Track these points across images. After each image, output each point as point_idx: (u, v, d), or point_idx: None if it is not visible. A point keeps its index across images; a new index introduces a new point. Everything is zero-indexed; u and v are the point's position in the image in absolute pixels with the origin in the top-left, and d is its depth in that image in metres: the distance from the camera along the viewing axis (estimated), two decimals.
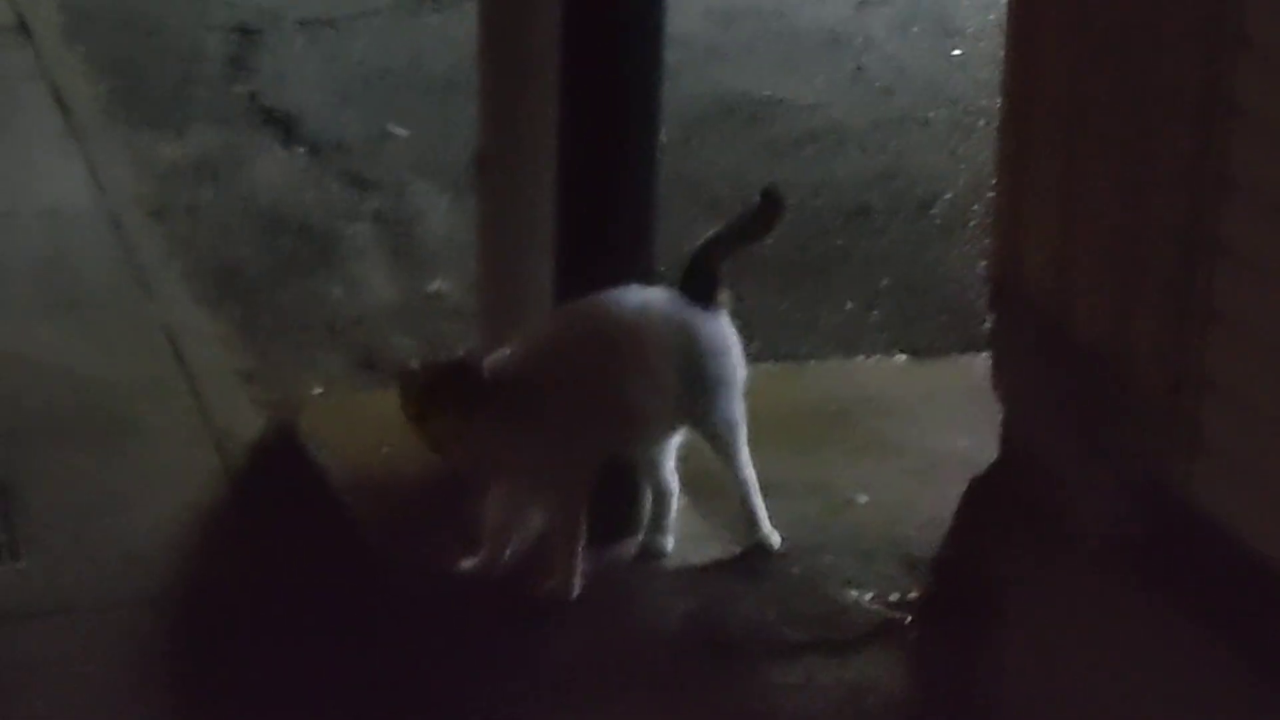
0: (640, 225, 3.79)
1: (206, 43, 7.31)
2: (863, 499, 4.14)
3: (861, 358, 5.03)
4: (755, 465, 3.96)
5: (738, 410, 3.85)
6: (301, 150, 6.47)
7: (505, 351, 3.73)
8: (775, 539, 3.93)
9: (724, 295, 3.86)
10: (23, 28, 7.26)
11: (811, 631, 3.69)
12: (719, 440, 3.86)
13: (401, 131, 6.61)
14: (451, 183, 6.17)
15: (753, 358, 4.06)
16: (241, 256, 5.65)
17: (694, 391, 3.76)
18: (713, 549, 3.96)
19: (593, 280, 3.73)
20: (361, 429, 4.38)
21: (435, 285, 5.44)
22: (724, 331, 3.85)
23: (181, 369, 4.93)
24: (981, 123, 6.79)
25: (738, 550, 3.91)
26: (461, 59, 7.10)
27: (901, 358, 4.98)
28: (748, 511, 3.94)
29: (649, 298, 3.75)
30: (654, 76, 3.74)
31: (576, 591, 3.69)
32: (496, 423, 3.63)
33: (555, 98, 3.71)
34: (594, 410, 3.68)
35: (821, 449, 4.38)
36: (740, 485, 3.91)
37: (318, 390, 4.87)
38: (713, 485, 4.01)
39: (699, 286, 3.80)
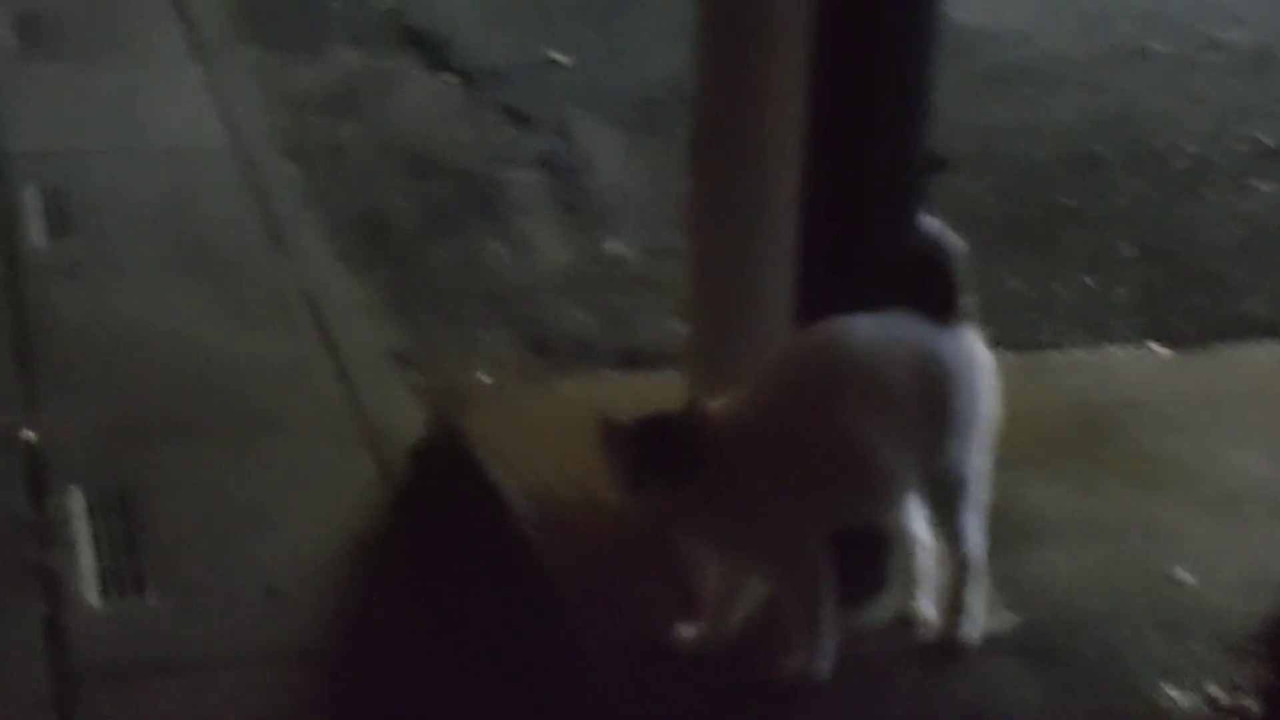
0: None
1: None
2: (1156, 549, 3.39)
3: (1111, 347, 4.29)
4: (1004, 491, 3.15)
5: (973, 461, 3.06)
6: (453, 79, 5.79)
7: (727, 400, 3.00)
8: (975, 635, 3.13)
9: (968, 303, 3.09)
10: None
11: None
12: (940, 496, 3.06)
13: (564, 59, 5.92)
14: (623, 120, 5.50)
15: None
16: (389, 207, 4.99)
17: (934, 434, 3.02)
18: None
19: (844, 294, 3.00)
20: (543, 438, 3.70)
21: (612, 246, 4.77)
22: (969, 354, 3.07)
23: (327, 348, 4.28)
24: (1213, 56, 6.04)
25: (1011, 618, 3.17)
26: None
27: (1159, 349, 4.24)
28: (954, 599, 3.12)
29: (887, 324, 3.04)
30: (928, 43, 3.01)
31: (825, 674, 3.01)
32: (722, 491, 2.92)
33: (802, 66, 2.99)
34: (830, 469, 2.99)
35: (1087, 471, 3.65)
36: (958, 563, 3.13)
37: (485, 379, 4.21)
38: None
39: (935, 295, 3.07)
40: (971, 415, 3.04)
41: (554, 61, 5.87)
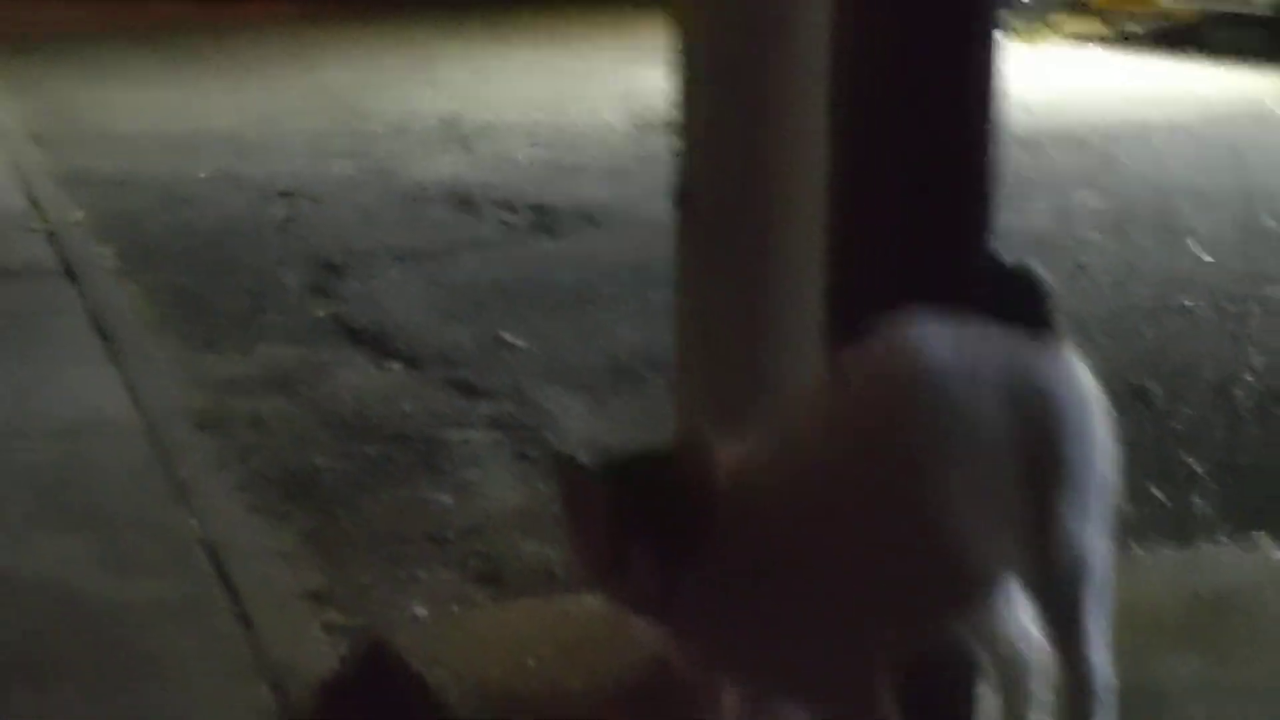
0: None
1: (283, 277, 6.05)
2: None
3: (1206, 546, 3.50)
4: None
5: (1094, 535, 2.20)
6: (396, 365, 5.09)
7: (741, 448, 2.10)
8: None
9: (1057, 311, 2.25)
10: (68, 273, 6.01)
11: None
12: (1052, 589, 2.17)
13: (519, 342, 5.23)
14: (587, 386, 4.78)
15: None
16: (316, 466, 4.22)
17: (1042, 496, 2.14)
18: None
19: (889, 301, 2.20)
20: (494, 647, 2.87)
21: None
22: (1079, 384, 2.21)
23: (226, 591, 3.46)
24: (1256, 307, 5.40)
25: None
26: (589, 275, 5.88)
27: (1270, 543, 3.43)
28: None
29: (972, 340, 2.22)
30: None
31: None
32: (737, 582, 2.07)
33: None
34: (899, 562, 2.10)
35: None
36: (1079, 684, 2.22)
37: (420, 612, 3.37)
38: None
39: (1022, 301, 2.24)
40: (1090, 467, 2.20)
41: (509, 344, 5.19)
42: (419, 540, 3.75)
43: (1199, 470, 4.01)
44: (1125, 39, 11.82)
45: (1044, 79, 9.65)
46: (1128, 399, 4.51)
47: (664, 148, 3.27)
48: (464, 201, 7.14)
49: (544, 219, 6.81)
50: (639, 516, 2.02)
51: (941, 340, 2.17)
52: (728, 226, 2.71)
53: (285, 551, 3.68)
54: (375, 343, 5.28)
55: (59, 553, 3.61)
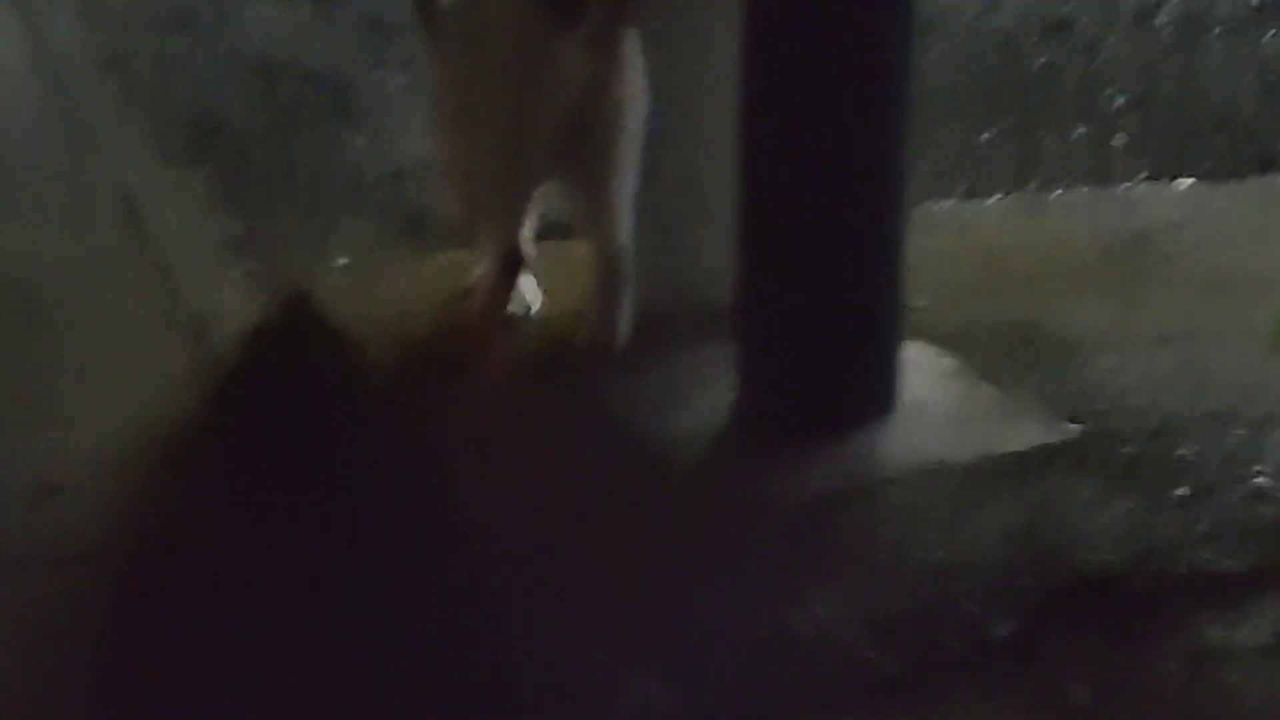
0: None
1: None
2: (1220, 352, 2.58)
3: (1126, 184, 3.50)
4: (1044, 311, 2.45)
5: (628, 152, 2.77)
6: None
7: None
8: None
9: None
10: None
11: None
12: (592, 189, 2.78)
13: None
14: None
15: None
16: (225, 109, 4.11)
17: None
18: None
19: None
20: (408, 309, 2.87)
21: None
22: None
23: (141, 242, 3.40)
24: None
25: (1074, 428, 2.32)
26: None
27: (1184, 182, 3.43)
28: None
29: None
30: None
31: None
32: None
33: None
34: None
35: (1131, 291, 2.86)
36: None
37: (342, 261, 3.33)
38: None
39: None
40: None
41: None
42: (338, 188, 3.68)
43: (1121, 106, 3.98)
44: None
45: None
46: (1053, 31, 4.46)
47: None
48: None
49: None
50: None
51: None
52: None
53: (200, 199, 3.59)
54: None
55: None
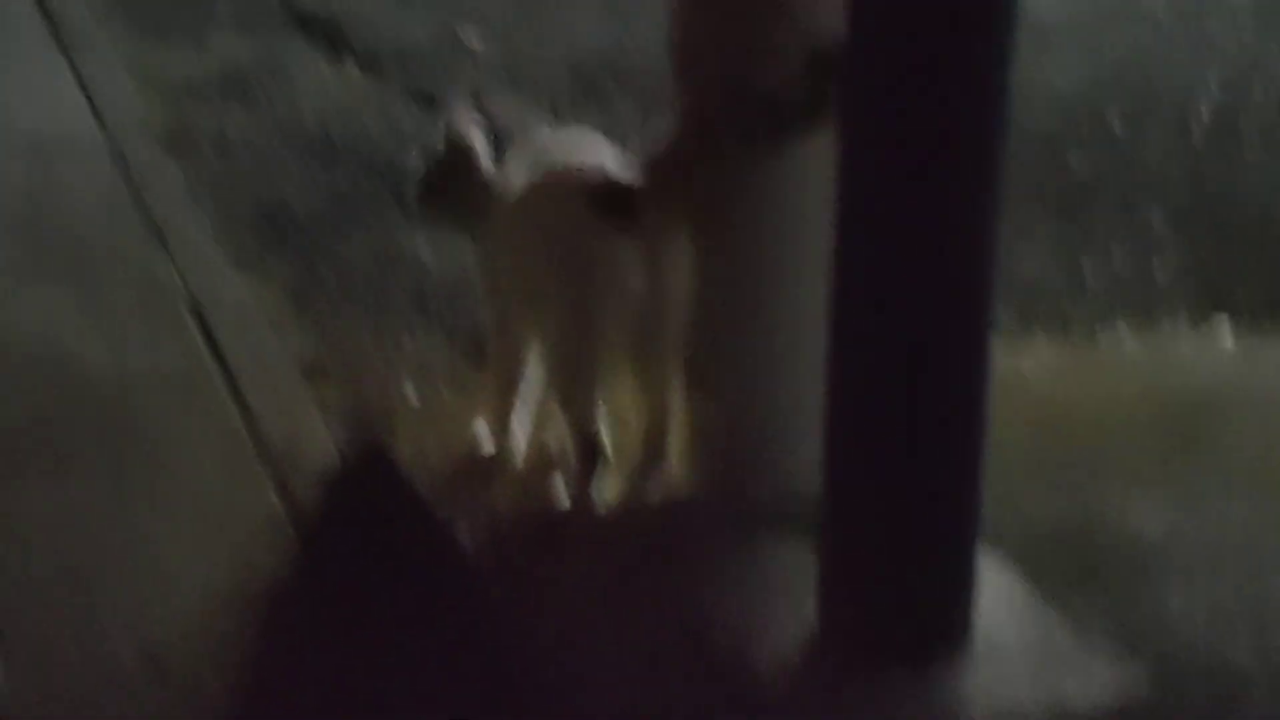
0: None
1: None
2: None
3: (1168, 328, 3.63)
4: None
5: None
6: (352, 66, 5.04)
7: None
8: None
9: None
10: None
11: None
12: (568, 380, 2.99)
13: (477, 40, 5.18)
14: (550, 98, 4.75)
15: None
16: (286, 201, 4.22)
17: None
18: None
19: None
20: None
21: None
22: None
23: (216, 361, 3.51)
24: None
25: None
26: None
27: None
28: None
29: None
30: None
31: None
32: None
33: None
34: None
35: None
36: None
37: (411, 393, 3.43)
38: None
39: None
40: None
41: (466, 43, 5.13)
42: (400, 296, 3.80)
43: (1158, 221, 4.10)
44: None
45: None
46: (1088, 128, 4.58)
47: None
48: None
49: None
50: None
51: None
52: None
53: (273, 318, 3.70)
54: (328, 36, 5.21)
55: (47, 310, 3.64)
